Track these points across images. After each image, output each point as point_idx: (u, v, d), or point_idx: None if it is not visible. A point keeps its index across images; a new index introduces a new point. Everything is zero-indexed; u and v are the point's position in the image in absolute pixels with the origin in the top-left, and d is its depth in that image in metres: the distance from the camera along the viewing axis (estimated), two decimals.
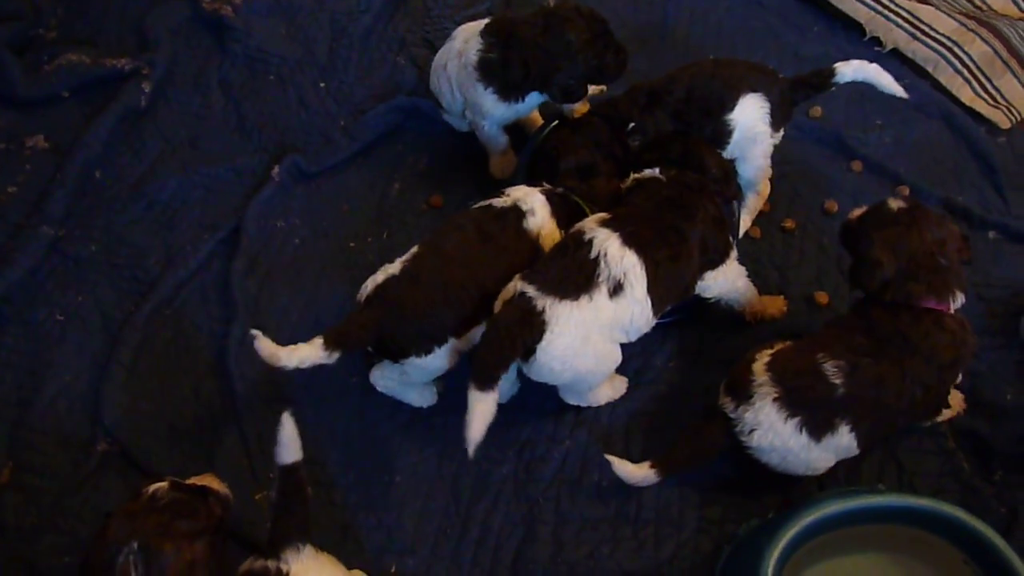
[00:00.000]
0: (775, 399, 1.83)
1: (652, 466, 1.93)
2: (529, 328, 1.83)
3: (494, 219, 2.01)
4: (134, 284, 2.39)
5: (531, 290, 1.85)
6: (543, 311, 1.83)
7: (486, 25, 2.29)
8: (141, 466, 2.08)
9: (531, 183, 2.14)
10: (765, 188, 2.39)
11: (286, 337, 2.24)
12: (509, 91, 2.28)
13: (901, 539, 1.82)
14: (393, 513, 2.03)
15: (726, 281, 2.09)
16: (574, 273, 1.87)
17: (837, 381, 1.82)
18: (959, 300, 1.88)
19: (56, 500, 2.05)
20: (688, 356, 2.20)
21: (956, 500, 1.96)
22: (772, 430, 1.84)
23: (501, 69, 2.24)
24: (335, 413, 2.15)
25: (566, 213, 2.08)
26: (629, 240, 1.90)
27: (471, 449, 1.81)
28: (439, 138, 2.64)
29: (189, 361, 2.26)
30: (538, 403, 2.09)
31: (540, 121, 2.49)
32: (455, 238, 1.98)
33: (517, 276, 1.90)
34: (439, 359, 1.96)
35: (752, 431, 1.86)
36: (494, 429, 2.02)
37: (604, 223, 1.94)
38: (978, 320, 2.27)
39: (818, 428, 1.83)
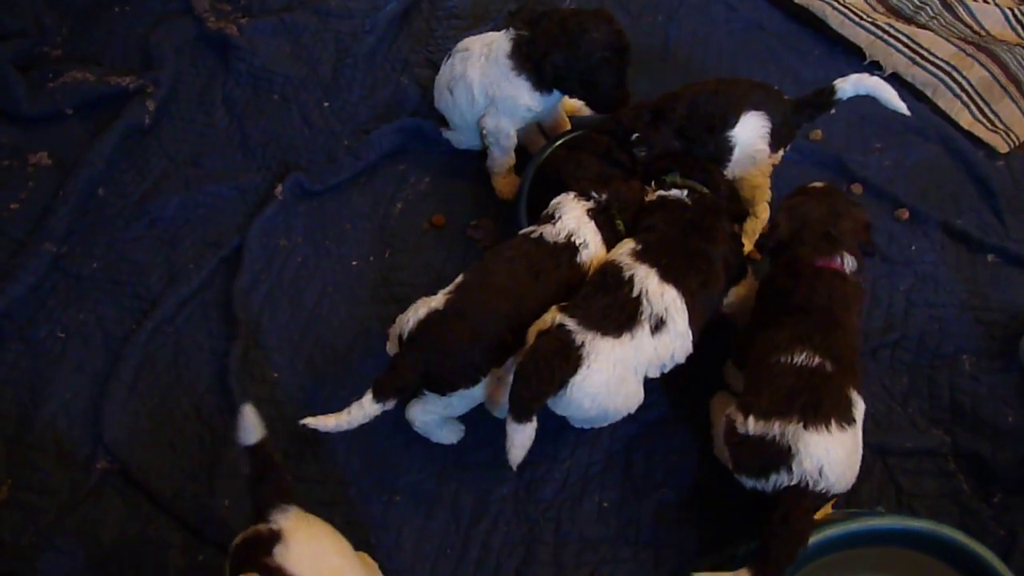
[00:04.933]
0: (804, 426, 1.76)
1: None
2: (565, 360, 1.82)
3: (548, 256, 1.99)
4: (136, 302, 2.39)
5: (571, 324, 1.84)
6: (582, 345, 1.82)
7: (516, 16, 2.32)
8: (141, 485, 2.08)
9: (579, 195, 2.11)
10: (764, 211, 2.39)
11: (287, 355, 2.27)
12: (539, 77, 2.28)
13: (900, 561, 1.82)
14: (392, 533, 2.02)
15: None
16: (616, 311, 1.86)
17: (818, 359, 1.83)
18: (848, 262, 1.97)
19: (55, 518, 2.04)
20: (686, 378, 2.20)
21: (955, 522, 1.97)
22: (832, 446, 1.75)
23: (530, 48, 2.25)
24: (334, 432, 2.14)
25: (611, 232, 2.08)
26: (667, 275, 1.91)
27: (515, 467, 1.85)
28: (441, 158, 2.65)
29: (190, 379, 2.26)
30: (539, 422, 2.09)
31: (542, 142, 2.51)
32: (504, 271, 1.96)
33: (554, 308, 1.90)
34: (486, 385, 1.96)
35: (822, 468, 1.73)
36: (494, 449, 2.03)
37: (638, 256, 1.94)
38: (977, 343, 2.28)
39: (847, 412, 1.80)
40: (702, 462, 2.10)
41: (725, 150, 2.24)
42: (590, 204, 2.09)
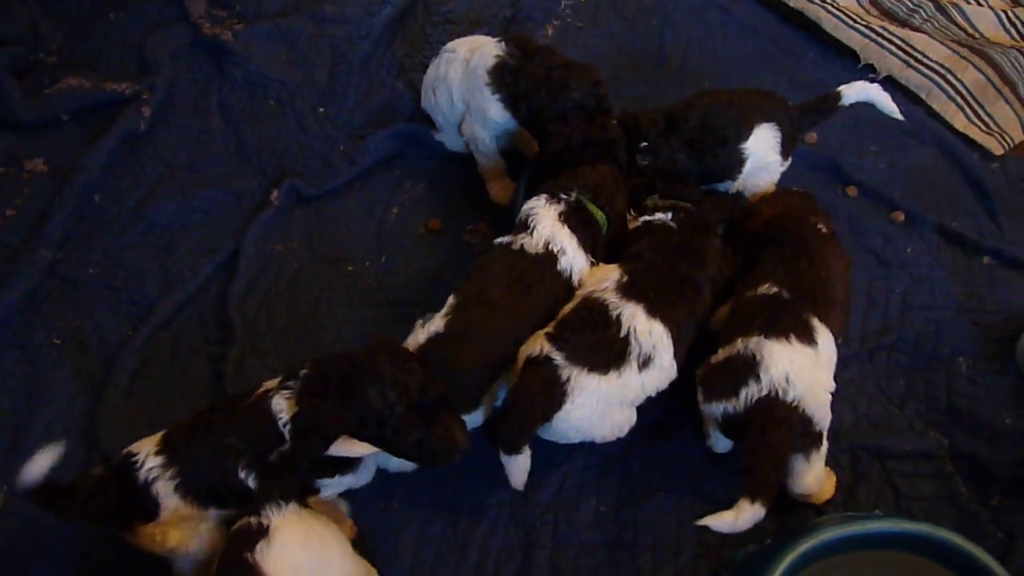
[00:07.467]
0: (765, 336, 1.86)
1: (752, 500, 1.74)
2: (549, 397, 1.83)
3: (532, 267, 1.98)
4: (132, 308, 2.39)
5: (559, 358, 1.84)
6: (567, 380, 1.83)
7: (511, 37, 2.32)
8: None
9: (549, 198, 2.09)
10: None
11: (283, 360, 2.26)
12: (512, 107, 2.30)
13: (898, 565, 1.81)
14: (391, 539, 2.02)
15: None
16: (605, 349, 1.86)
17: (776, 289, 1.95)
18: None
19: (50, 526, 2.03)
20: (681, 382, 2.20)
21: (953, 525, 1.97)
22: (794, 356, 1.84)
23: (513, 77, 2.26)
24: None
25: (588, 230, 2.07)
26: (653, 310, 1.91)
27: (519, 488, 1.95)
28: (437, 163, 2.65)
29: (186, 385, 2.26)
30: None
31: (536, 146, 2.51)
32: (497, 287, 1.94)
33: (542, 335, 1.90)
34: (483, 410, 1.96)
35: (788, 375, 1.82)
36: (490, 454, 2.03)
37: (624, 291, 1.93)
38: (974, 345, 2.28)
39: (808, 332, 1.89)
40: (699, 465, 2.10)
41: (737, 162, 2.24)
42: (561, 207, 2.07)
